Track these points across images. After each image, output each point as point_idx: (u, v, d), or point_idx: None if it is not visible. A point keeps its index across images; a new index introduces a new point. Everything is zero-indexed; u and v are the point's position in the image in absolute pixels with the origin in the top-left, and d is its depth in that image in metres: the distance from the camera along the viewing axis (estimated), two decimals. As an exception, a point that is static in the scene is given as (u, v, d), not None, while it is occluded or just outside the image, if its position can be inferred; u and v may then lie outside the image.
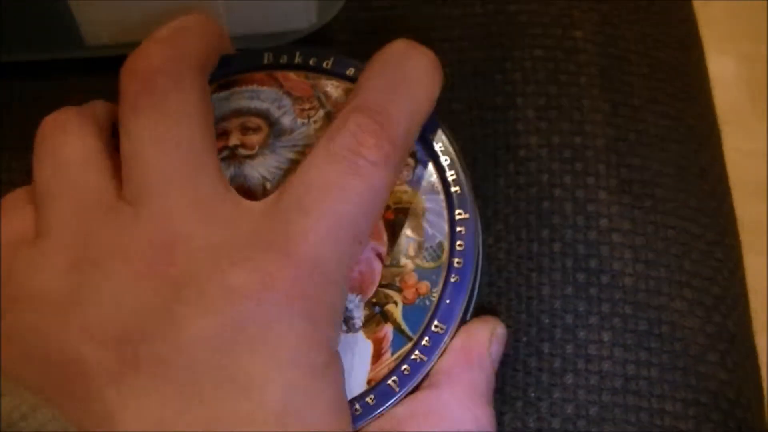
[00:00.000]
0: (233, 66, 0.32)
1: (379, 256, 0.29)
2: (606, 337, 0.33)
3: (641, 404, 0.33)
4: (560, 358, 0.32)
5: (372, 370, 0.28)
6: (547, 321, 0.33)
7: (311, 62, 0.32)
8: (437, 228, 0.30)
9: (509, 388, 0.32)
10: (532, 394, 0.32)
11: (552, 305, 0.33)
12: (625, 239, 0.35)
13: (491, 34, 0.39)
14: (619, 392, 0.33)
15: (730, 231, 0.38)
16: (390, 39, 0.30)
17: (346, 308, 0.28)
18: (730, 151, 0.40)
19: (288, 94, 0.32)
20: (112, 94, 0.29)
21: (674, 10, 0.42)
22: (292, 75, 0.32)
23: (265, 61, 0.32)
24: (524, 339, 0.32)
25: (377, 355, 0.28)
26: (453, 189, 0.30)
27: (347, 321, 0.28)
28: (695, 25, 0.44)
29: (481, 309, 0.33)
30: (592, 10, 0.40)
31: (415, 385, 0.28)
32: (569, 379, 0.32)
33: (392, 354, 0.28)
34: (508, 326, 0.32)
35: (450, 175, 0.30)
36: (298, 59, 0.32)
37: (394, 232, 0.30)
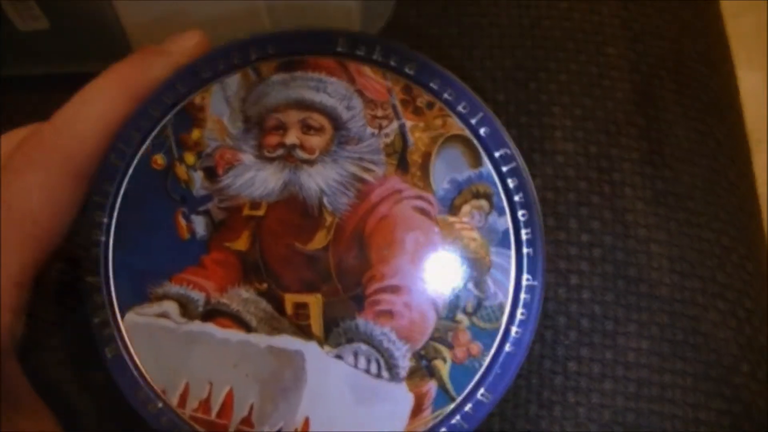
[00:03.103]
0: (299, 44, 0.27)
1: (434, 306, 0.27)
2: (644, 345, 0.33)
3: (676, 412, 0.33)
4: (599, 363, 0.33)
5: (410, 424, 0.26)
6: (587, 325, 0.33)
7: (392, 62, 0.27)
8: (501, 287, 0.27)
9: (548, 392, 0.32)
10: (572, 399, 0.32)
11: (592, 310, 0.33)
12: (662, 249, 0.35)
13: (524, 45, 0.39)
14: (655, 400, 0.33)
15: (759, 245, 0.39)
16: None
17: (392, 355, 0.26)
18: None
19: (360, 93, 0.27)
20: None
21: (704, 27, 0.43)
22: (367, 70, 0.27)
23: (339, 47, 0.27)
24: (565, 342, 0.33)
25: (417, 410, 0.26)
26: (526, 250, 0.27)
27: (391, 369, 0.26)
28: (725, 41, 0.44)
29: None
30: (624, 27, 0.41)
31: None
32: (608, 385, 0.32)
33: (432, 412, 0.26)
34: (545, 327, 0.32)
35: (525, 233, 0.27)
36: (377, 55, 0.27)
37: (455, 282, 0.27)
